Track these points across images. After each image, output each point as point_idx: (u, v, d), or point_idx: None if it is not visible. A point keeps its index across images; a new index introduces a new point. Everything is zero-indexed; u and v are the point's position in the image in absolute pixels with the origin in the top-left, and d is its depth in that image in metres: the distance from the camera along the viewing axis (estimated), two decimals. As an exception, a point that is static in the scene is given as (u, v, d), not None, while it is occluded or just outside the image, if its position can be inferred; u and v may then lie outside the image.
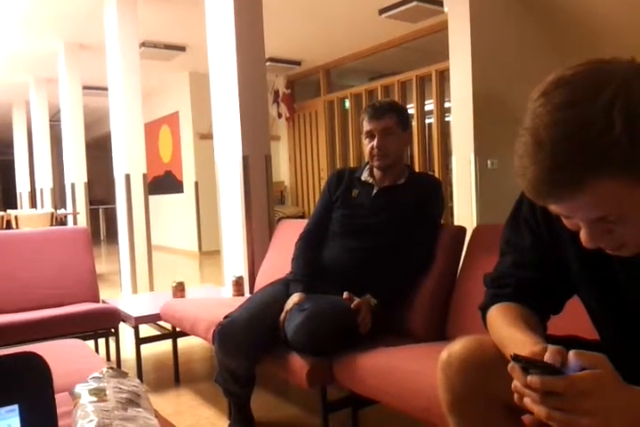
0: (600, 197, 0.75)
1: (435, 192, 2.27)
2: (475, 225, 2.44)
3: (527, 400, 0.77)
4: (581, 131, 0.73)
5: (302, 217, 8.27)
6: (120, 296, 4.84)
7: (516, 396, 0.80)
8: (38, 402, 0.63)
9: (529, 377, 0.75)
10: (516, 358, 0.77)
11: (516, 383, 0.79)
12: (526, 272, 1.10)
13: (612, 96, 0.73)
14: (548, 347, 0.79)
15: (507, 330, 1.00)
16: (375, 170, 2.32)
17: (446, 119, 6.33)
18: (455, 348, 1.05)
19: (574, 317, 1.11)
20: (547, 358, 0.78)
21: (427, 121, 7.04)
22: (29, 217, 6.54)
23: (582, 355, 0.75)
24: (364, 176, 2.33)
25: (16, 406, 0.61)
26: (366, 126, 2.25)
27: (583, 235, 0.83)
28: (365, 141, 2.27)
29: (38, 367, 0.63)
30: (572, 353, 0.75)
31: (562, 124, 0.74)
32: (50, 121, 9.21)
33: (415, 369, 1.67)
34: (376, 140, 2.22)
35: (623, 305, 0.99)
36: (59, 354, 1.88)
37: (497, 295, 1.12)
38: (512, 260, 1.13)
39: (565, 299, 1.12)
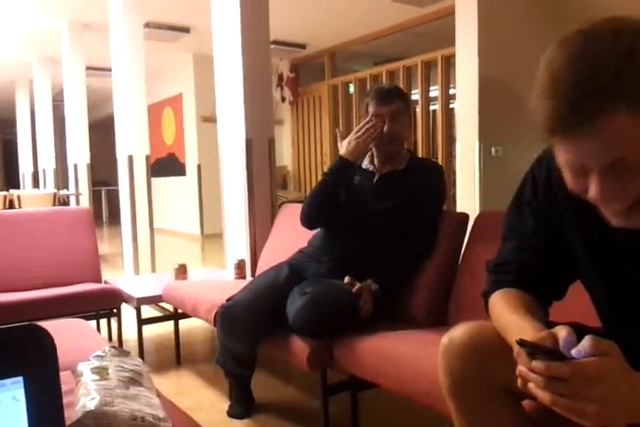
0: (614, 135, 0.74)
1: (436, 178, 2.27)
2: (477, 212, 2.43)
3: (531, 385, 0.77)
4: (598, 68, 0.73)
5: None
6: (122, 277, 4.85)
7: (519, 381, 0.80)
8: (43, 374, 0.63)
9: (534, 362, 0.75)
10: (522, 343, 0.77)
11: (520, 368, 0.79)
12: (528, 257, 1.09)
13: (630, 40, 0.73)
14: (556, 327, 0.79)
15: (508, 316, 1.00)
16: (376, 157, 2.31)
17: (451, 106, 6.29)
18: (456, 333, 1.05)
19: (576, 304, 1.12)
20: (560, 336, 0.78)
21: (431, 107, 6.99)
22: (32, 197, 6.54)
23: (595, 341, 0.74)
24: (365, 164, 2.32)
25: (21, 378, 0.61)
26: (375, 110, 2.21)
27: (593, 191, 0.80)
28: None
29: (43, 340, 0.64)
30: (587, 338, 0.75)
31: (578, 62, 0.75)
32: (53, 101, 9.15)
33: (416, 354, 1.67)
34: (387, 125, 2.20)
35: (625, 288, 0.99)
36: (61, 333, 1.87)
37: (499, 281, 1.12)
38: (514, 245, 1.12)
39: (568, 284, 1.11)
